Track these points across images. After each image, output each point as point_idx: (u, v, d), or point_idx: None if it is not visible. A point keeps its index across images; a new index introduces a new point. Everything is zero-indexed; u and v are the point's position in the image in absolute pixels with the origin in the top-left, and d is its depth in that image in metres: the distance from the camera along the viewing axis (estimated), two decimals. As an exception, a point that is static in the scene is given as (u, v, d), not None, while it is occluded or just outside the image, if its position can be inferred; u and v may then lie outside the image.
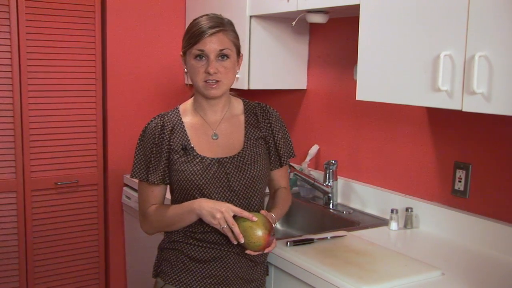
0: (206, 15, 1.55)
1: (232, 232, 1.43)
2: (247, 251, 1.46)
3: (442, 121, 1.95)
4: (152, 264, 1.65)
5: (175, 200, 1.58)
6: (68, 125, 2.69)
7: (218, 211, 1.43)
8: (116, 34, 2.78)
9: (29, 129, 2.59)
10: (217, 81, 1.51)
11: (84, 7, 2.66)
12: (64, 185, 2.71)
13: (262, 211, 1.52)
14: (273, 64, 2.48)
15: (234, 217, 1.44)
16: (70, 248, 2.75)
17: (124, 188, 2.83)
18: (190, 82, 2.88)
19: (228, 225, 1.42)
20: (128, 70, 2.83)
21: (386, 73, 1.67)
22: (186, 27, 3.01)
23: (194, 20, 1.55)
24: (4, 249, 2.58)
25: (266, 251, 1.46)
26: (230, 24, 1.57)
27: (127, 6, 2.78)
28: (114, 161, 2.84)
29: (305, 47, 2.57)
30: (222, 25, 1.52)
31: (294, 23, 2.29)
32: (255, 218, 1.43)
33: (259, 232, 1.43)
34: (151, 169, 1.54)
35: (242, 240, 1.42)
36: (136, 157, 1.58)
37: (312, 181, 2.29)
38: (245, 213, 1.44)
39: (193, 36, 1.51)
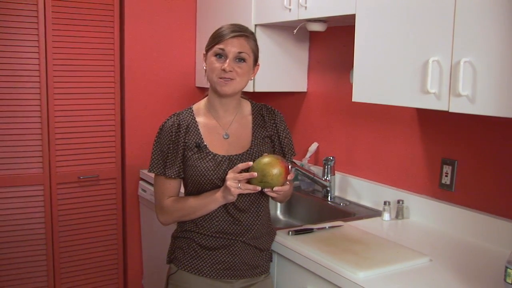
0: (232, 23, 1.56)
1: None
2: (275, 189, 1.43)
3: (430, 121, 1.95)
4: (166, 251, 1.66)
5: (189, 193, 1.58)
6: (89, 125, 2.70)
7: (226, 183, 1.44)
8: (132, 43, 2.78)
9: (55, 128, 2.60)
10: (231, 79, 1.51)
11: (104, 17, 2.67)
12: (86, 179, 2.73)
13: (265, 153, 1.52)
14: (276, 68, 2.48)
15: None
16: (91, 236, 2.77)
17: (140, 182, 2.84)
18: (200, 85, 2.87)
19: (240, 183, 1.42)
20: (144, 74, 2.84)
21: (380, 77, 1.67)
22: (197, 36, 3.04)
23: (221, 26, 1.56)
24: (33, 236, 2.60)
25: (289, 178, 1.44)
26: (253, 34, 1.57)
27: (142, 18, 2.79)
28: (131, 157, 2.85)
29: (306, 53, 2.57)
30: (245, 31, 1.53)
31: (295, 31, 2.29)
32: (254, 174, 1.40)
33: (275, 169, 1.41)
34: (168, 164, 1.54)
35: (255, 175, 1.40)
36: (154, 153, 1.57)
37: (312, 176, 2.28)
38: (240, 165, 1.44)
39: (217, 36, 1.52)
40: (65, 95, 2.62)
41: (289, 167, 1.47)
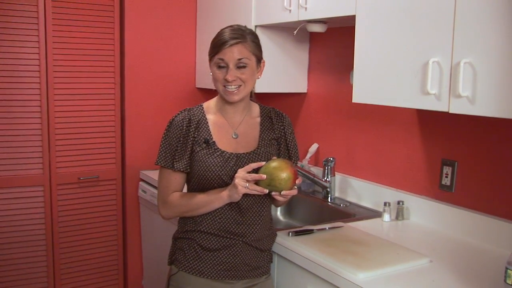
0: (231, 26, 1.56)
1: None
2: (283, 193, 1.45)
3: (430, 122, 1.95)
4: (166, 252, 1.66)
5: (192, 189, 1.58)
6: (89, 126, 2.71)
7: (234, 180, 1.45)
8: (133, 43, 2.79)
9: (55, 129, 2.61)
10: (239, 86, 1.52)
11: (104, 19, 2.68)
12: (86, 180, 2.73)
13: (274, 157, 1.55)
14: (276, 69, 2.48)
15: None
16: (91, 237, 2.77)
17: (140, 182, 2.84)
18: (201, 86, 2.87)
19: (248, 183, 1.44)
20: (144, 75, 2.84)
21: (380, 78, 1.67)
22: (197, 37, 3.04)
23: (220, 30, 1.56)
24: (33, 237, 2.61)
25: (297, 182, 1.46)
26: (251, 34, 1.56)
27: (142, 19, 2.79)
28: (131, 158, 2.85)
29: (306, 54, 2.57)
30: (243, 37, 1.52)
31: (295, 32, 2.29)
32: (264, 176, 1.42)
33: (284, 173, 1.42)
34: (176, 157, 1.54)
35: (264, 177, 1.42)
36: (162, 145, 1.58)
37: (312, 177, 2.28)
38: (253, 165, 1.47)
39: (216, 45, 1.53)
40: (65, 95, 2.62)
41: (297, 171, 1.48)
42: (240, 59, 1.51)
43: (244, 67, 1.52)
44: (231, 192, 1.47)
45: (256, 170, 1.47)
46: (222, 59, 1.51)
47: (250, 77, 1.54)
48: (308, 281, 1.57)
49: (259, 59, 1.59)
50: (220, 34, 1.55)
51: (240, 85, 1.53)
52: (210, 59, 1.56)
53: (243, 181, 1.44)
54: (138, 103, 2.84)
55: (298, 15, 2.08)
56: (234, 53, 1.50)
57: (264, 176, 1.43)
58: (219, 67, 1.53)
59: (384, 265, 1.46)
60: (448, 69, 1.42)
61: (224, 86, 1.53)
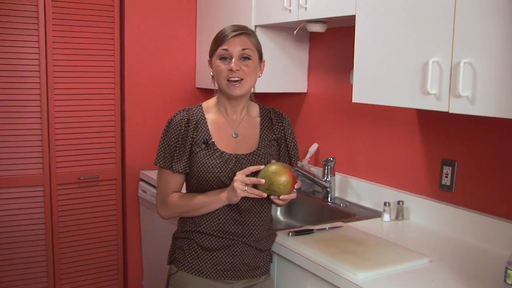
0: (232, 24, 1.57)
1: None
2: (282, 197, 1.46)
3: (430, 122, 1.95)
4: (166, 252, 1.66)
5: (192, 189, 1.58)
6: (89, 126, 2.71)
7: (233, 183, 1.45)
8: (133, 43, 2.79)
9: (55, 129, 2.61)
10: (240, 79, 1.51)
11: (104, 18, 2.68)
12: (86, 180, 2.73)
13: (272, 160, 1.55)
14: (276, 69, 2.48)
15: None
16: (91, 237, 2.77)
17: (140, 182, 2.84)
18: (200, 86, 2.87)
19: (246, 186, 1.43)
20: (144, 75, 2.84)
21: (380, 77, 1.67)
22: (197, 37, 3.04)
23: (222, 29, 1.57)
24: (33, 237, 2.61)
25: (296, 187, 1.47)
26: (253, 32, 1.59)
27: (143, 20, 2.80)
28: (131, 158, 2.85)
29: (306, 54, 2.57)
30: (246, 29, 1.55)
31: (295, 32, 2.29)
32: (262, 181, 1.42)
33: (283, 178, 1.42)
34: (175, 158, 1.54)
35: (263, 182, 1.42)
36: (161, 146, 1.57)
37: (312, 177, 2.28)
38: (251, 168, 1.46)
39: (218, 38, 1.54)
40: (65, 95, 2.62)
41: (297, 176, 1.48)
42: (244, 50, 1.51)
43: (248, 58, 1.52)
44: (229, 195, 1.46)
45: (255, 173, 1.47)
46: (226, 49, 1.51)
47: (253, 71, 1.54)
48: (308, 281, 1.57)
49: (261, 56, 1.59)
50: (222, 29, 1.56)
51: (243, 79, 1.52)
52: (212, 54, 1.56)
53: (241, 185, 1.44)
54: (138, 103, 2.84)
55: (298, 15, 2.08)
56: (238, 43, 1.51)
57: (263, 180, 1.42)
58: (222, 58, 1.52)
59: (384, 265, 1.46)
60: (448, 69, 1.42)
61: (228, 80, 1.52)
